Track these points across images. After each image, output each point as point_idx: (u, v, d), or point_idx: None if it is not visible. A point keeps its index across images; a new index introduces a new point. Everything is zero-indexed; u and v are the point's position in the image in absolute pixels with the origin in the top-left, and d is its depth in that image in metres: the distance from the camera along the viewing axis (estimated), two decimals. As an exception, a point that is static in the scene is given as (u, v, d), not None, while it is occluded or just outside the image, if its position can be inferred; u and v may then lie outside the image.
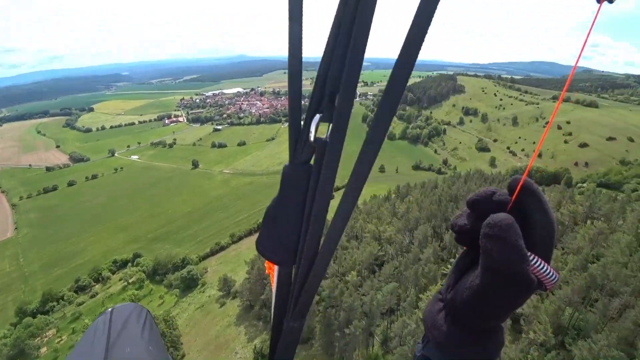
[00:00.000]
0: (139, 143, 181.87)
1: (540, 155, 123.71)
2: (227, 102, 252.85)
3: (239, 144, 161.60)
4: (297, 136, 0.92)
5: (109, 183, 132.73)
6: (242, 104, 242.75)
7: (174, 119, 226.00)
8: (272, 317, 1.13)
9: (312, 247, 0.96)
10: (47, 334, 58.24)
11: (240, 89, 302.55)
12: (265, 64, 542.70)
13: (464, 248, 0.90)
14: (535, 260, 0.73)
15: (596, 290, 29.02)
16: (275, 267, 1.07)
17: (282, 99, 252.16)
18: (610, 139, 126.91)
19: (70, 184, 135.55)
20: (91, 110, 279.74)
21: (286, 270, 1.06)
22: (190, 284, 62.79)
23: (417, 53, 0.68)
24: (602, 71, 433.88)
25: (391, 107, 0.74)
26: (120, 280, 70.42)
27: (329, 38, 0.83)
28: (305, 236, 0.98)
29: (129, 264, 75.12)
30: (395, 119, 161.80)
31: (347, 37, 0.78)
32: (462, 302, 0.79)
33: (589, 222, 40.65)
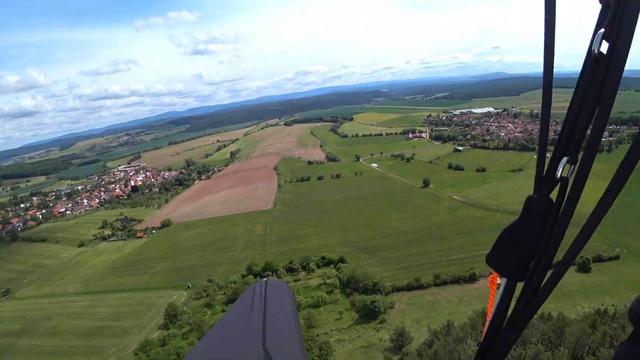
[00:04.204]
0: (381, 153, 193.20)
1: None
2: (473, 122, 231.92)
3: (477, 170, 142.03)
4: (543, 171, 1.09)
5: (347, 184, 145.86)
6: (490, 125, 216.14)
7: (417, 134, 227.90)
8: (485, 326, 1.32)
9: (544, 268, 1.14)
10: (255, 294, 70.72)
11: (491, 109, 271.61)
12: (526, 81, 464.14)
13: None
14: None
15: None
16: (501, 281, 1.28)
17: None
18: None
19: (319, 178, 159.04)
20: (351, 119, 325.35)
21: (512, 285, 1.26)
22: (369, 314, 56.24)
23: None
24: None
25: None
26: (319, 276, 72.76)
27: (577, 85, 0.93)
28: (540, 258, 1.16)
29: (332, 265, 77.17)
30: None
31: (596, 95, 0.87)
32: None
33: None
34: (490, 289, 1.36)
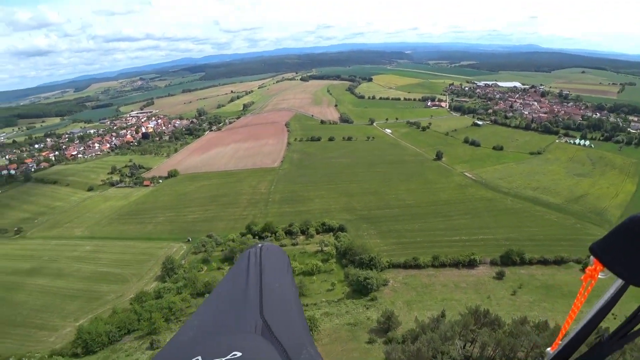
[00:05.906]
0: (397, 119, 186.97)
1: None
2: (497, 96, 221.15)
3: (494, 147, 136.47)
4: None
5: (358, 149, 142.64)
6: (515, 101, 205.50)
7: (437, 103, 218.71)
8: (568, 323, 1.12)
9: None
10: (250, 253, 72.22)
11: (518, 84, 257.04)
12: (560, 58, 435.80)
13: None
14: None
15: None
16: (604, 275, 1.02)
17: (569, 104, 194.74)
18: None
19: (330, 139, 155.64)
20: (370, 80, 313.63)
21: (625, 287, 1.01)
22: (361, 290, 55.70)
23: None
24: None
25: None
26: (317, 243, 72.42)
27: None
28: None
29: (332, 233, 76.58)
30: None
31: None
32: None
33: None
34: (582, 281, 1.10)
